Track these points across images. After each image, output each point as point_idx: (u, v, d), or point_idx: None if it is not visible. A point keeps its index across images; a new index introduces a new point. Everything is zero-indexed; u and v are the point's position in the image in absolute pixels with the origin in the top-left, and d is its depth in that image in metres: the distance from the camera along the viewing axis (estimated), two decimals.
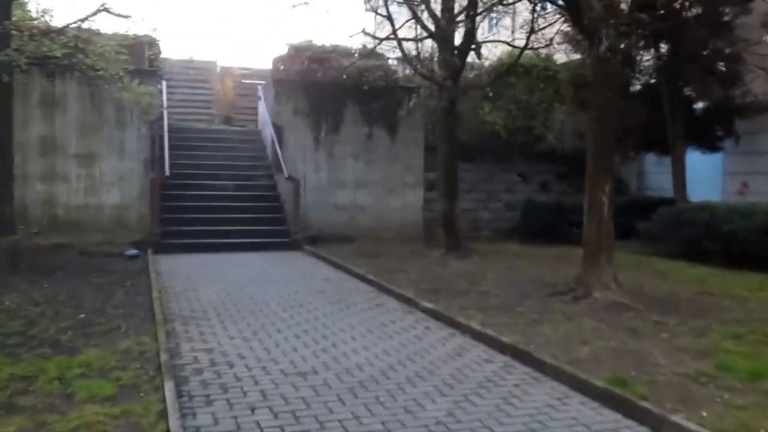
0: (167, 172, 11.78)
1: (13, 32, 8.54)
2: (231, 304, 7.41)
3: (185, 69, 18.98)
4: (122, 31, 12.73)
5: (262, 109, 15.26)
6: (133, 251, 10.69)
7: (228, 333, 6.14)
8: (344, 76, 14.25)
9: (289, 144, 13.91)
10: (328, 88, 14.30)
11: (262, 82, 16.45)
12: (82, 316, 6.49)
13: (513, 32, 16.74)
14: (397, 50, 12.79)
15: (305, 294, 8.16)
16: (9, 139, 9.53)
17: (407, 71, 15.02)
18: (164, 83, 14.14)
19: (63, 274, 8.93)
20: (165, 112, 13.30)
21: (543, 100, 15.69)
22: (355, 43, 29.68)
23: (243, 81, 18.64)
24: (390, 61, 15.37)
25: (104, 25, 16.46)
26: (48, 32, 9.27)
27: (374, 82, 14.25)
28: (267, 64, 15.57)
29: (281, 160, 13.14)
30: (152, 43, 15.09)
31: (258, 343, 5.83)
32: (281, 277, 9.41)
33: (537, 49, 12.73)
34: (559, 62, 15.69)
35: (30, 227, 12.34)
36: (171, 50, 32.92)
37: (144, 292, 7.77)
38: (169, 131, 14.04)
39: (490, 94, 14.46)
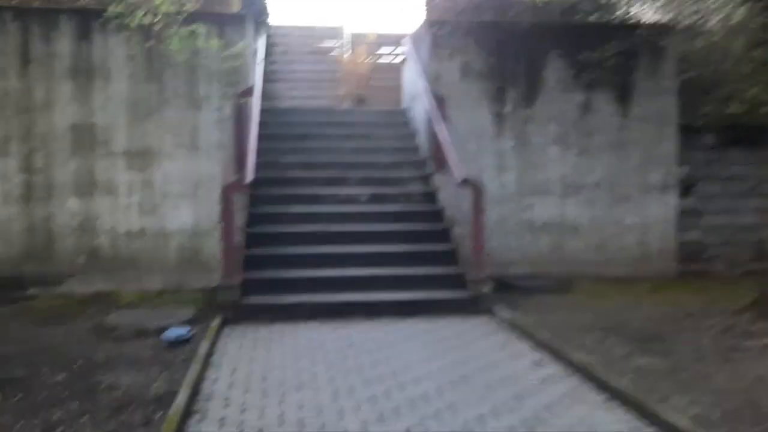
0: (248, 177, 6.61)
1: None
2: None
3: (304, 38, 14.19)
4: None
5: (409, 74, 9.88)
6: (177, 331, 5.57)
7: None
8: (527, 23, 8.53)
9: (455, 126, 8.38)
10: (515, 32, 8.61)
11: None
12: None
13: None
14: None
15: None
16: None
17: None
18: (261, 39, 9.16)
19: None
20: (258, 80, 8.25)
21: None
22: None
23: (379, 51, 13.55)
24: None
25: None
26: None
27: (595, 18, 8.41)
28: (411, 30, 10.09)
29: (445, 152, 7.61)
30: None
31: None
32: None
33: None
34: None
35: (65, 267, 7.85)
36: (287, 16, 27.92)
37: None
38: (270, 113, 9.11)
39: None
